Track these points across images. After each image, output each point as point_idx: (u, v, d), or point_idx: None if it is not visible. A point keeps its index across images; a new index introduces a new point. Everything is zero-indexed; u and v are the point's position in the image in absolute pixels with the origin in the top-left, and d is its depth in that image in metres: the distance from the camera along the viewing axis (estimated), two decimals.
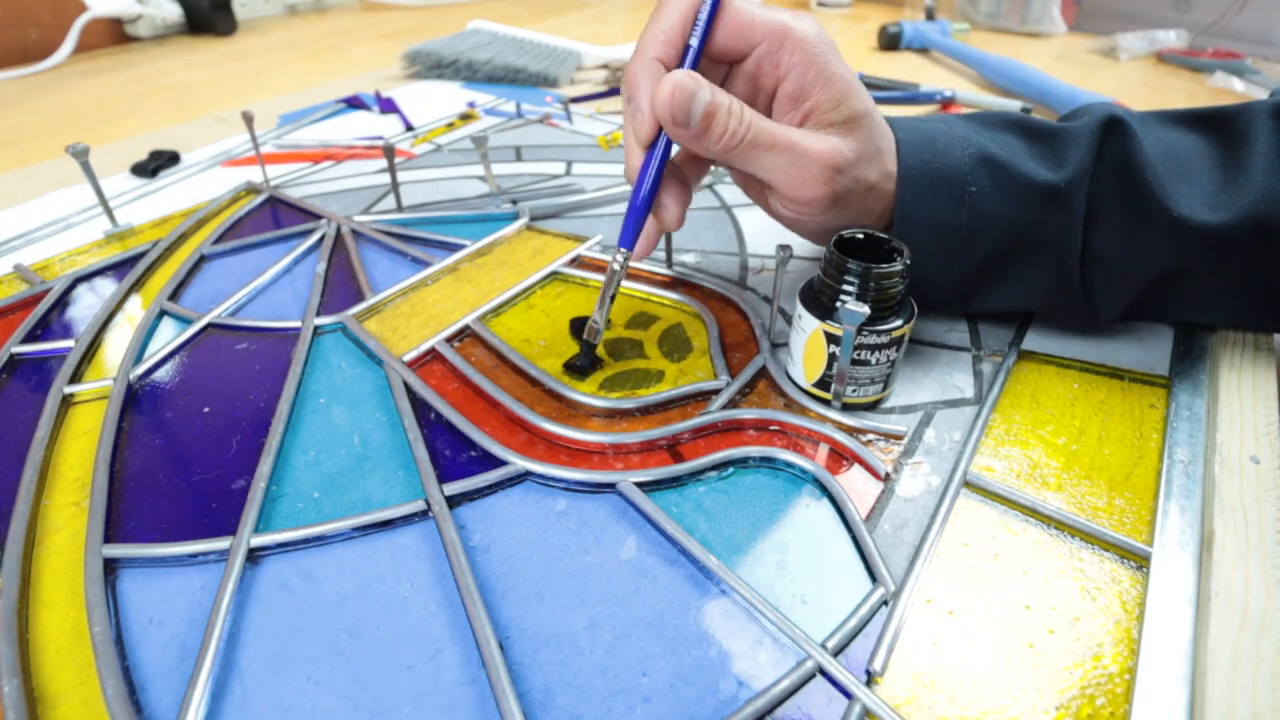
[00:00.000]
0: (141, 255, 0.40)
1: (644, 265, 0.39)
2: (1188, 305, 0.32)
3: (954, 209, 0.30)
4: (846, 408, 0.29)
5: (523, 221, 0.43)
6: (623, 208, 0.46)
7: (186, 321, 0.35)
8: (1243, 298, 0.31)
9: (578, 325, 0.35)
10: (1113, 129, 0.30)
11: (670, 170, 0.30)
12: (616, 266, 0.30)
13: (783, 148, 0.27)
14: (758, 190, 0.33)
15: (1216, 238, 0.28)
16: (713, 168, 0.35)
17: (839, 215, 0.30)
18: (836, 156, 0.28)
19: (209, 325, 0.34)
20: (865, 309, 0.26)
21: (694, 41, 0.28)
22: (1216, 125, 0.31)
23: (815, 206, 0.29)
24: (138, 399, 0.30)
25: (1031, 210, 0.30)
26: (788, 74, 0.28)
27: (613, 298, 0.31)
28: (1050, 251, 0.31)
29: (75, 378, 0.31)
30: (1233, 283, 0.31)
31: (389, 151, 0.43)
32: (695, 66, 0.28)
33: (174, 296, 0.37)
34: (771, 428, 0.29)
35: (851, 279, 0.27)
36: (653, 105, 0.27)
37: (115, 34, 0.86)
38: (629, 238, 0.30)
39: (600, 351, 0.33)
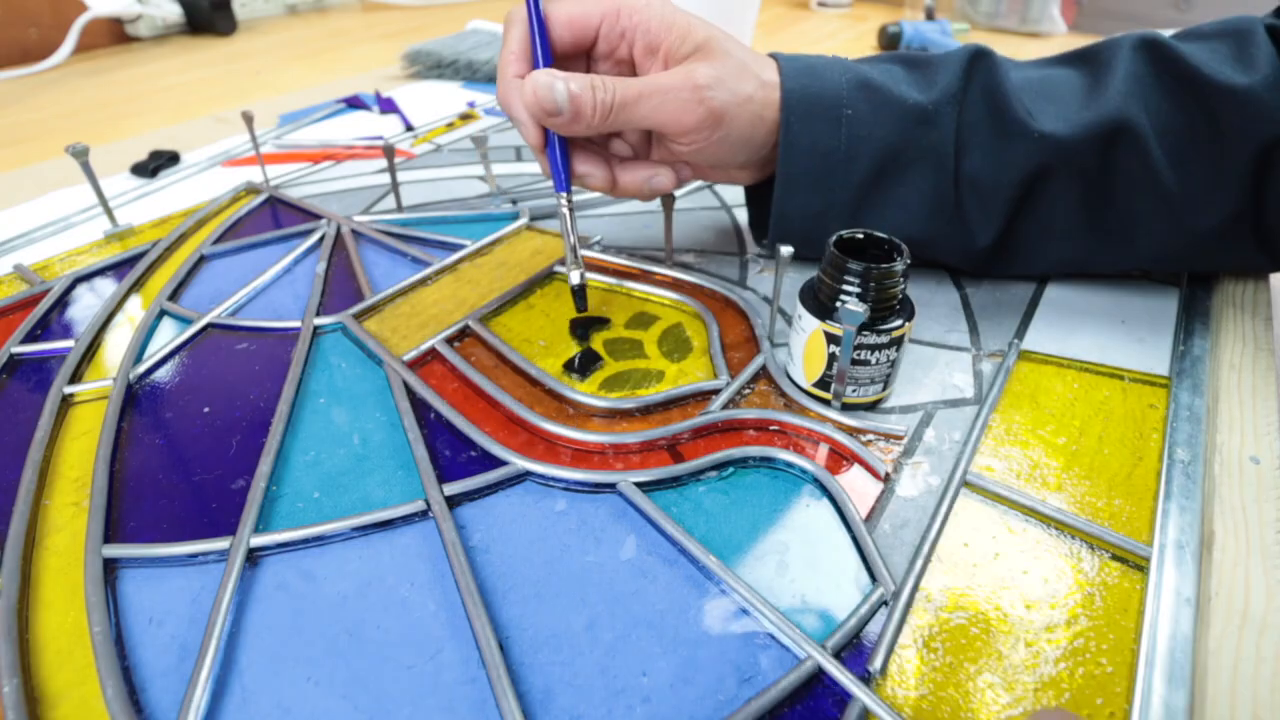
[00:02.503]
0: (141, 255, 0.40)
1: (644, 265, 0.39)
2: (1050, 236, 0.34)
3: (832, 130, 0.32)
4: (846, 408, 0.29)
5: (523, 221, 0.43)
6: (623, 208, 0.46)
7: (186, 321, 0.35)
8: (1100, 226, 0.34)
9: (578, 325, 0.35)
10: (980, 59, 0.33)
11: (578, 144, 0.33)
12: (565, 210, 0.33)
13: (649, 93, 0.30)
14: (665, 152, 0.35)
15: (1071, 145, 0.31)
16: None
17: (733, 135, 0.32)
18: (694, 76, 0.30)
19: (209, 325, 0.34)
20: (865, 309, 0.26)
21: (537, 48, 0.31)
22: (1086, 58, 0.35)
23: (703, 130, 0.31)
24: (138, 399, 0.30)
25: (904, 131, 0.32)
26: (634, 36, 0.32)
27: (574, 243, 0.33)
28: (925, 172, 0.33)
29: (75, 378, 0.31)
30: (1089, 204, 0.33)
31: (389, 151, 0.43)
32: (546, 47, 0.31)
33: (174, 296, 0.37)
34: (771, 428, 0.29)
35: (851, 279, 0.27)
36: (527, 109, 0.30)
37: (115, 34, 0.86)
38: (559, 182, 0.33)
39: (600, 351, 0.33)
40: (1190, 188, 0.32)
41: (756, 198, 0.39)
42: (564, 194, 0.33)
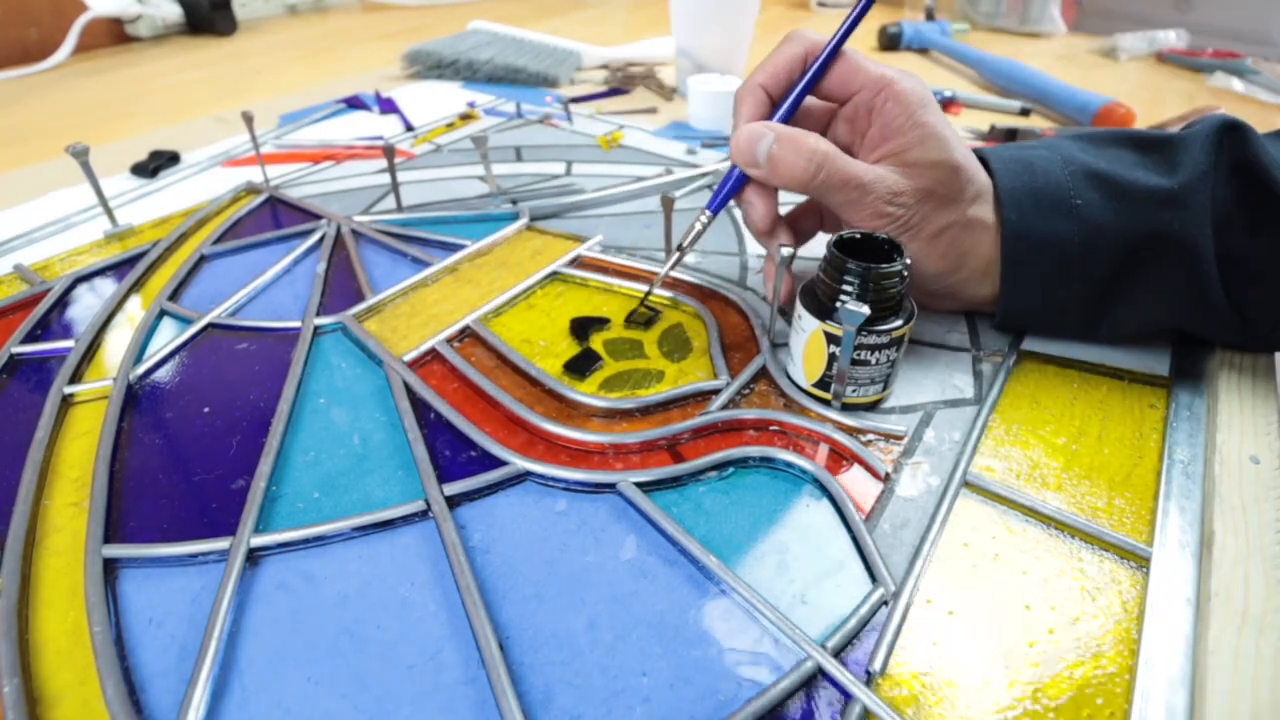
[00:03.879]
0: (141, 255, 0.40)
1: (644, 265, 0.39)
2: None
3: (1063, 223, 0.30)
4: (846, 408, 0.29)
5: (523, 221, 0.43)
6: (623, 208, 0.46)
7: (186, 321, 0.35)
8: None
9: (578, 325, 0.35)
10: (1230, 132, 0.30)
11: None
12: (700, 226, 0.34)
13: (852, 185, 0.29)
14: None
15: None
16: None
17: (943, 264, 0.31)
18: (881, 184, 0.29)
19: (209, 325, 0.34)
20: (865, 309, 0.26)
21: (802, 80, 0.31)
22: None
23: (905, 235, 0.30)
24: (138, 399, 0.30)
25: (1147, 217, 0.29)
26: (877, 120, 0.30)
27: (681, 248, 0.34)
28: (1178, 257, 0.29)
29: (75, 378, 0.31)
30: None
31: (389, 151, 0.43)
32: (798, 102, 0.32)
33: (174, 296, 0.37)
34: (771, 428, 0.29)
35: (851, 279, 0.27)
36: (734, 154, 0.31)
37: (115, 34, 0.86)
38: (714, 204, 0.33)
39: (600, 350, 0.33)
40: None
41: None
42: (708, 211, 0.34)
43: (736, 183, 0.32)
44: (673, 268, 0.35)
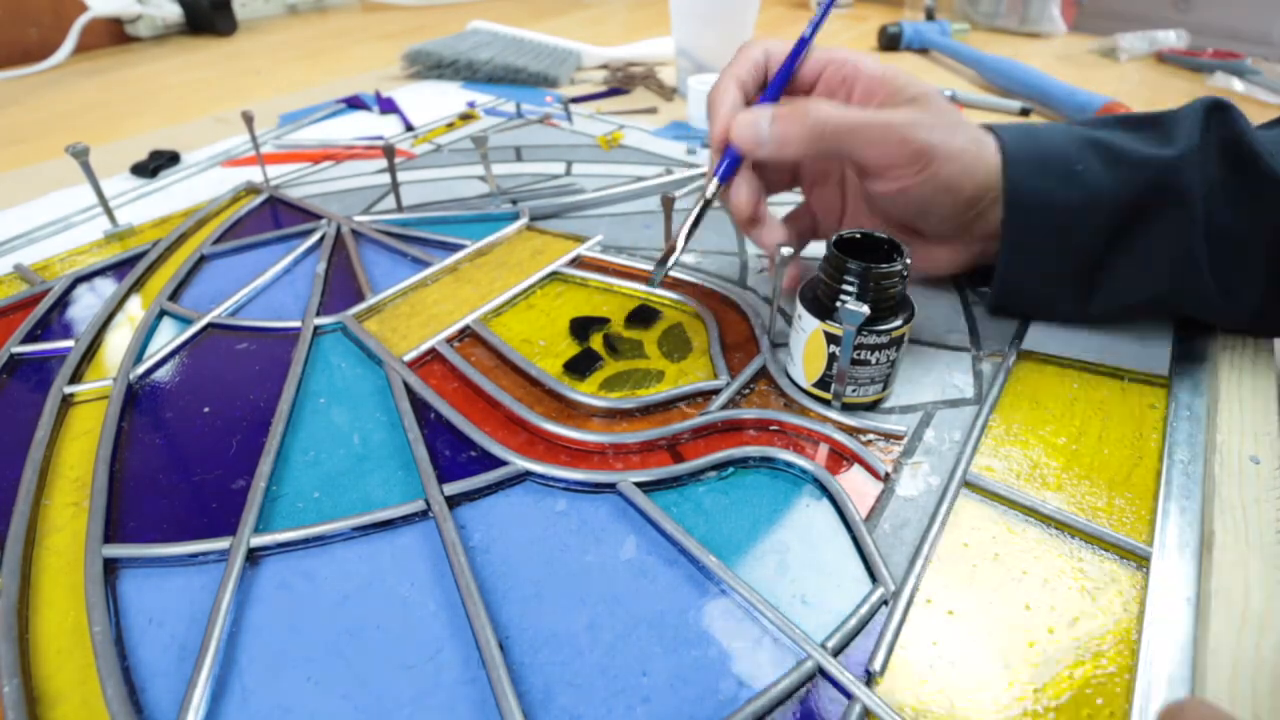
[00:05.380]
0: (141, 255, 0.40)
1: (644, 265, 0.39)
2: None
3: (1064, 186, 0.31)
4: (846, 408, 0.29)
5: (523, 221, 0.43)
6: (623, 207, 0.46)
7: (186, 321, 0.35)
8: None
9: (578, 325, 0.35)
10: (1218, 111, 0.31)
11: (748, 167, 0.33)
12: (709, 194, 0.32)
13: (863, 125, 0.30)
14: (854, 203, 0.36)
15: None
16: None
17: (939, 178, 0.31)
18: (908, 116, 0.30)
19: (209, 325, 0.34)
20: (865, 309, 0.26)
21: (781, 71, 0.32)
22: None
23: (910, 167, 0.30)
24: (138, 399, 0.30)
25: (1145, 186, 0.30)
26: (854, 84, 0.32)
27: (695, 225, 0.33)
28: (1171, 226, 0.30)
29: (75, 378, 0.31)
30: None
31: (389, 151, 0.43)
32: (780, 89, 0.33)
33: (174, 296, 0.37)
34: (771, 428, 0.29)
35: (851, 279, 0.27)
36: (737, 146, 0.31)
37: (115, 34, 0.86)
38: (719, 169, 0.32)
39: (600, 350, 0.33)
40: None
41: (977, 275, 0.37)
42: (716, 178, 0.32)
43: (731, 164, 0.32)
44: (690, 233, 0.33)
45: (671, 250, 0.33)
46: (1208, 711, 0.16)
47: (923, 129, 0.30)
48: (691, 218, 0.33)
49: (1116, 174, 0.31)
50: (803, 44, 0.33)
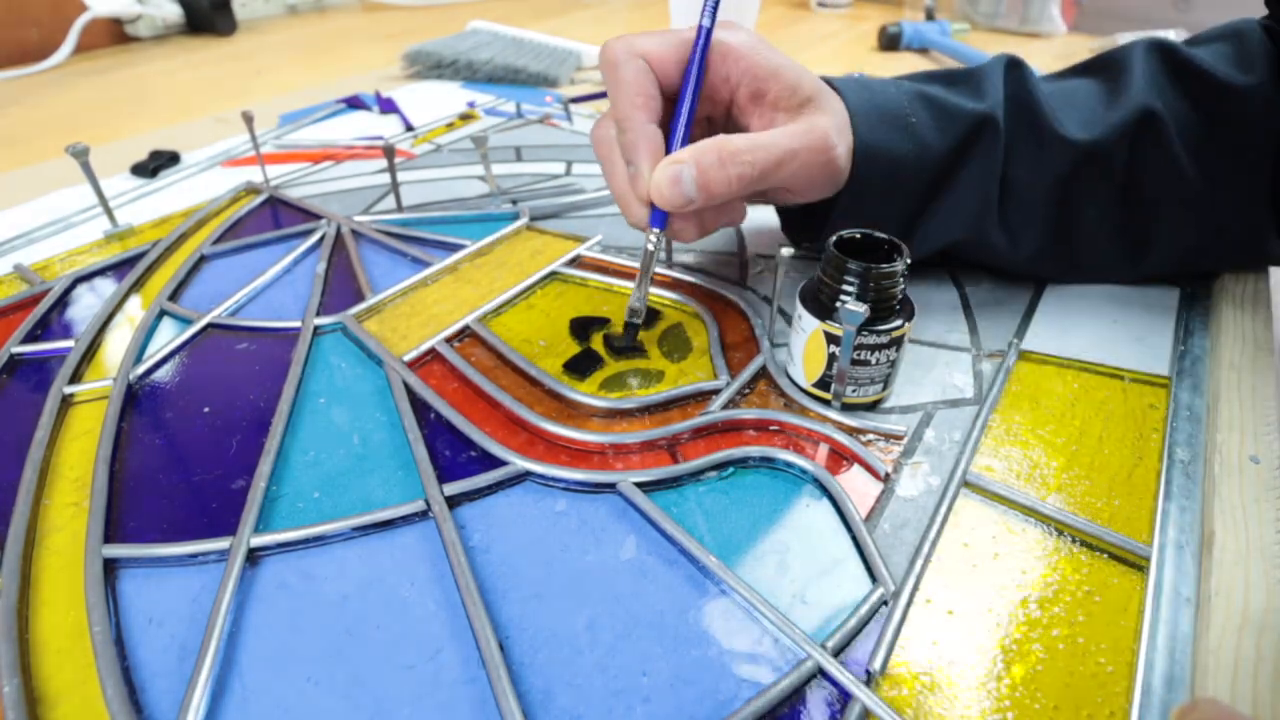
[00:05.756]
0: (141, 255, 0.40)
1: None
2: (1087, 240, 0.35)
3: (902, 139, 0.32)
4: (846, 408, 0.29)
5: (523, 221, 0.43)
6: None
7: (186, 321, 0.35)
8: (1131, 227, 0.35)
9: (578, 325, 0.35)
10: (1014, 68, 0.35)
11: None
12: (650, 247, 0.31)
13: (787, 159, 0.29)
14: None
15: (1103, 147, 0.33)
16: None
17: (840, 177, 0.32)
18: (826, 136, 0.30)
19: (209, 325, 0.34)
20: (865, 309, 0.26)
21: (686, 102, 0.30)
22: (1102, 66, 0.36)
23: (829, 185, 0.32)
24: (138, 399, 0.30)
25: (964, 138, 0.33)
26: (740, 82, 0.31)
27: (650, 278, 0.32)
28: (978, 176, 0.33)
29: (75, 378, 0.31)
30: (1123, 204, 0.34)
31: (389, 151, 0.43)
32: (691, 119, 0.30)
33: (174, 296, 0.37)
34: (771, 428, 0.29)
35: (851, 279, 0.27)
36: (660, 205, 0.29)
37: (115, 34, 0.86)
38: (657, 219, 0.31)
39: (600, 351, 0.33)
40: (1210, 182, 0.34)
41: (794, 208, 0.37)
42: (655, 229, 0.31)
43: (661, 212, 0.30)
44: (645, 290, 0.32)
45: (635, 312, 0.32)
46: (1218, 711, 0.16)
47: (838, 147, 0.30)
48: (643, 274, 0.31)
49: (941, 126, 0.33)
50: (707, 39, 0.30)
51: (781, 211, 0.39)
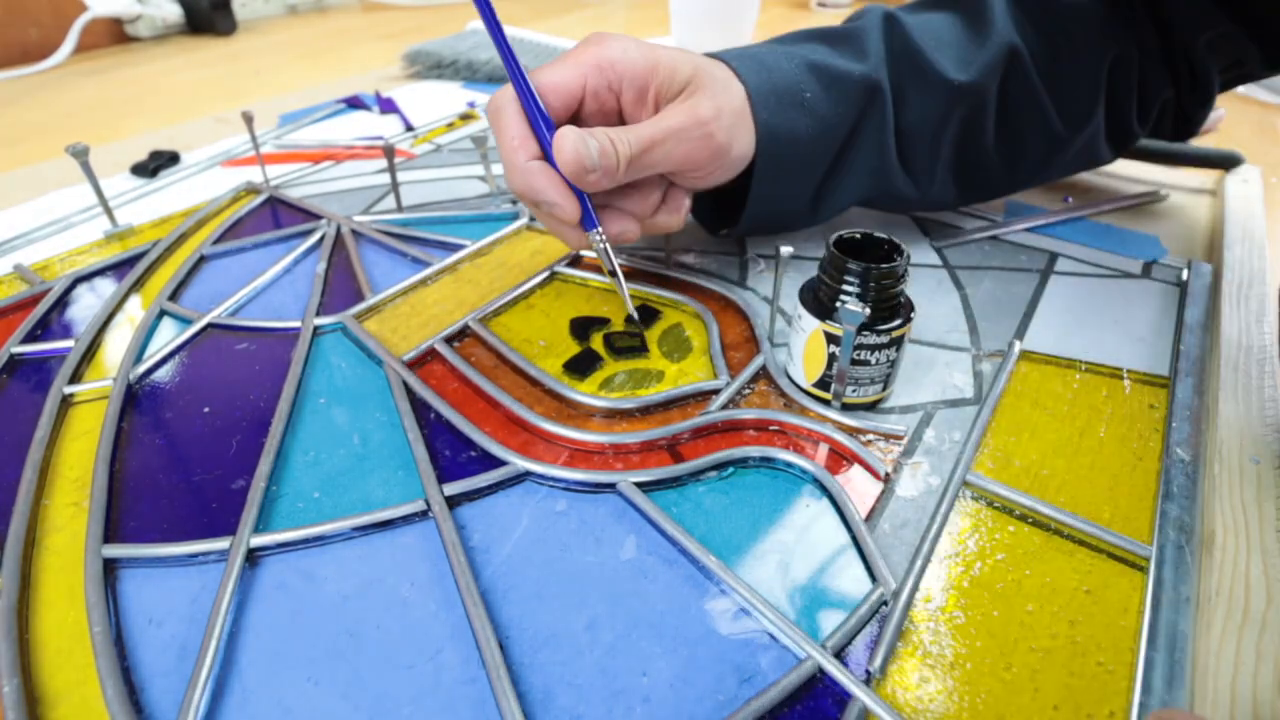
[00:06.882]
0: (141, 255, 0.40)
1: (645, 265, 0.39)
2: (973, 168, 0.38)
3: (800, 116, 0.33)
4: (846, 408, 0.29)
5: (523, 221, 0.43)
6: None
7: (186, 321, 0.35)
8: (1006, 150, 0.38)
9: (578, 325, 0.35)
10: (890, 22, 0.36)
11: (604, 206, 0.33)
12: (600, 246, 0.32)
13: (661, 137, 0.30)
14: (672, 198, 0.34)
15: (980, 86, 0.35)
16: None
17: (734, 155, 0.32)
18: (698, 113, 0.30)
19: (209, 325, 0.34)
20: (865, 309, 0.26)
21: (540, 125, 0.30)
22: (959, 1, 0.38)
23: (715, 162, 0.31)
24: (138, 399, 0.30)
25: (856, 103, 0.34)
26: (621, 86, 0.31)
27: (617, 275, 0.32)
28: (874, 138, 0.35)
29: (75, 378, 0.31)
30: (999, 133, 0.37)
31: (389, 151, 0.43)
32: (550, 134, 0.30)
33: (174, 296, 0.37)
34: (771, 428, 0.29)
35: (851, 279, 0.27)
36: (566, 169, 0.29)
37: (115, 34, 0.86)
38: (590, 222, 0.32)
39: (599, 350, 0.33)
40: (1059, 103, 0.37)
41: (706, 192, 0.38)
42: (596, 230, 0.31)
43: (587, 207, 0.31)
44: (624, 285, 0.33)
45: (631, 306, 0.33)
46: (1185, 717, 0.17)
47: (716, 121, 0.30)
48: (613, 276, 0.32)
49: (833, 96, 0.34)
50: (524, 82, 0.30)
51: (696, 199, 0.38)
